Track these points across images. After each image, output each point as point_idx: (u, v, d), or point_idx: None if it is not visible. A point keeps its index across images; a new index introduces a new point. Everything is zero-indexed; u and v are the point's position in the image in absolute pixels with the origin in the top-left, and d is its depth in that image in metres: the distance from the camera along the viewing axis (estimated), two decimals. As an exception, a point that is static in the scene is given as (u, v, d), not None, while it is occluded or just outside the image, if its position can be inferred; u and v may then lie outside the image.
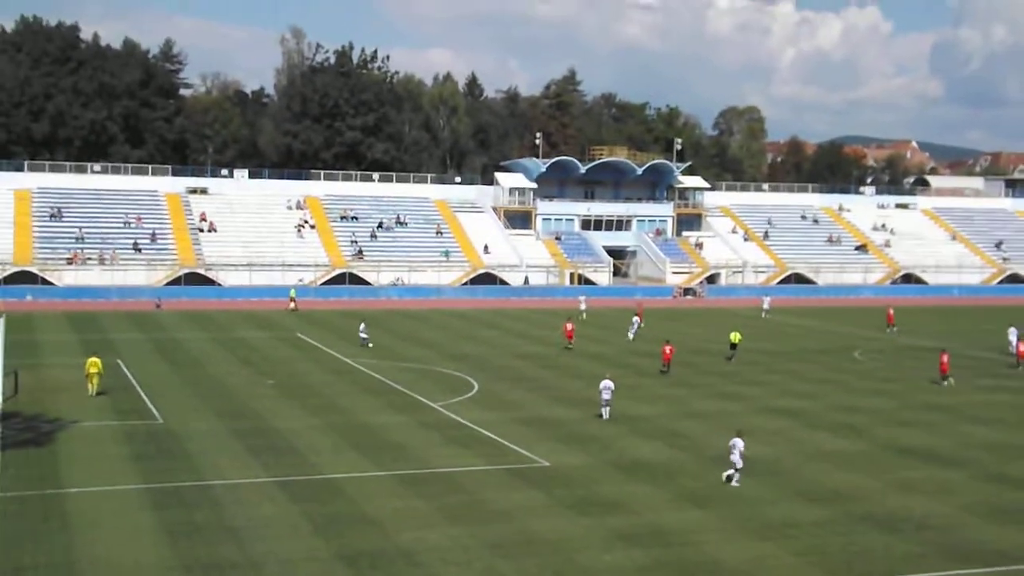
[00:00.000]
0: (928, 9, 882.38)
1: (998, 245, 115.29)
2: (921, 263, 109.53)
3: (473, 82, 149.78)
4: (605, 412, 40.50)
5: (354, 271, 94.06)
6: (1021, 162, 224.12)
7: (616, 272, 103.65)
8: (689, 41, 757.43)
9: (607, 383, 40.57)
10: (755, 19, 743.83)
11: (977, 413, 43.31)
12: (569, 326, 60.97)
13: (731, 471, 31.56)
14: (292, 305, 79.81)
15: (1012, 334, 59.88)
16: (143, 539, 25.42)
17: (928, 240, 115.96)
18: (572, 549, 25.39)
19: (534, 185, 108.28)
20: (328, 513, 27.78)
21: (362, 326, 61.37)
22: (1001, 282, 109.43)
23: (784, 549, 25.81)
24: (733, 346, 58.03)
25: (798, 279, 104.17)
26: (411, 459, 33.76)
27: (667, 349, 53.18)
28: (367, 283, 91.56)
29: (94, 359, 43.87)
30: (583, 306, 76.95)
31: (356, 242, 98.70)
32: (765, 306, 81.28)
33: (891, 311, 74.06)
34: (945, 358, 49.96)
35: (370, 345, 59.22)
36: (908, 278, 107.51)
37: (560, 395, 45.85)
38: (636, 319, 66.77)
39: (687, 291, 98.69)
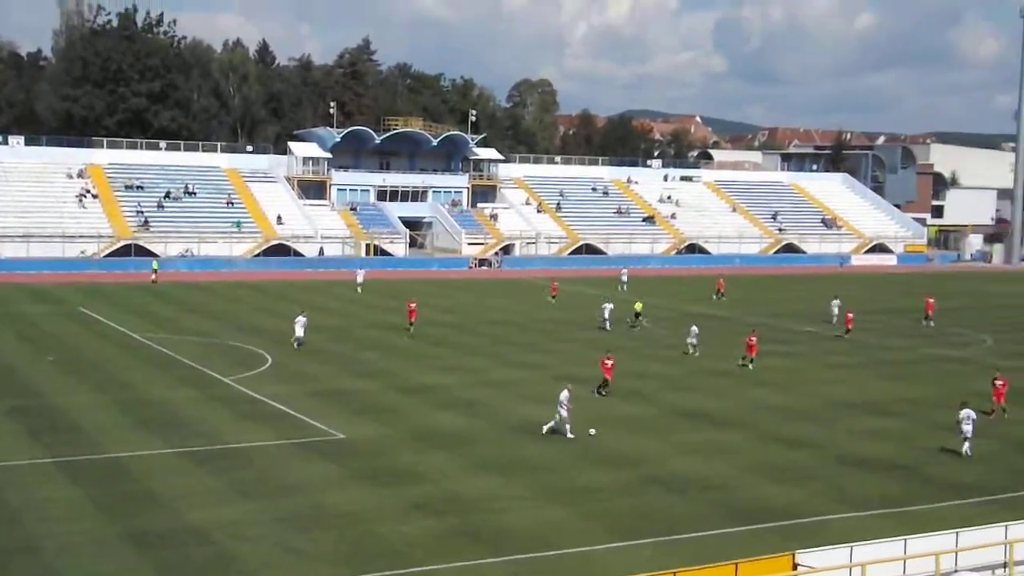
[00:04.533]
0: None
1: (774, 216, 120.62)
2: (704, 234, 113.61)
3: (264, 49, 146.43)
4: (568, 428, 33.98)
5: (140, 242, 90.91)
6: (796, 137, 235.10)
7: (412, 243, 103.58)
8: (484, 13, 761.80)
9: (564, 394, 34.41)
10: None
11: (760, 377, 45.29)
12: (412, 306, 56.23)
13: (552, 423, 33.78)
14: (153, 278, 78.43)
15: (835, 305, 61.89)
16: (-89, 527, 24.02)
17: (711, 212, 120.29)
18: (368, 520, 25.34)
19: (328, 155, 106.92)
20: (113, 493, 26.86)
21: (301, 321, 50.37)
22: (777, 252, 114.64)
23: (576, 513, 26.44)
24: (637, 315, 59.58)
25: (589, 250, 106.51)
26: (202, 435, 32.96)
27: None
28: (154, 254, 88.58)
29: None
30: (360, 279, 75.83)
31: (142, 212, 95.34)
32: (624, 279, 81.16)
33: (721, 280, 76.51)
34: (754, 339, 47.79)
35: (296, 346, 49.55)
36: (692, 248, 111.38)
37: (356, 368, 45.56)
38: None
39: (482, 262, 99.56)
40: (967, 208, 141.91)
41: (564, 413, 33.73)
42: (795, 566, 19.23)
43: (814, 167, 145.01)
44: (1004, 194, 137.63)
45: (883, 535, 21.83)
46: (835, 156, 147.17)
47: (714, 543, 24.10)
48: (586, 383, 42.76)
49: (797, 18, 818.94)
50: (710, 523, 25.83)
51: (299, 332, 49.88)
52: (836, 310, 61.42)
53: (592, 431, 33.73)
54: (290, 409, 36.83)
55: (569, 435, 33.53)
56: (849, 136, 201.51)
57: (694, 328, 51.17)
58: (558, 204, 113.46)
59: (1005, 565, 20.00)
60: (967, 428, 32.29)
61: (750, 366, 47.06)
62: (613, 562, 22.84)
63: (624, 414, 37.59)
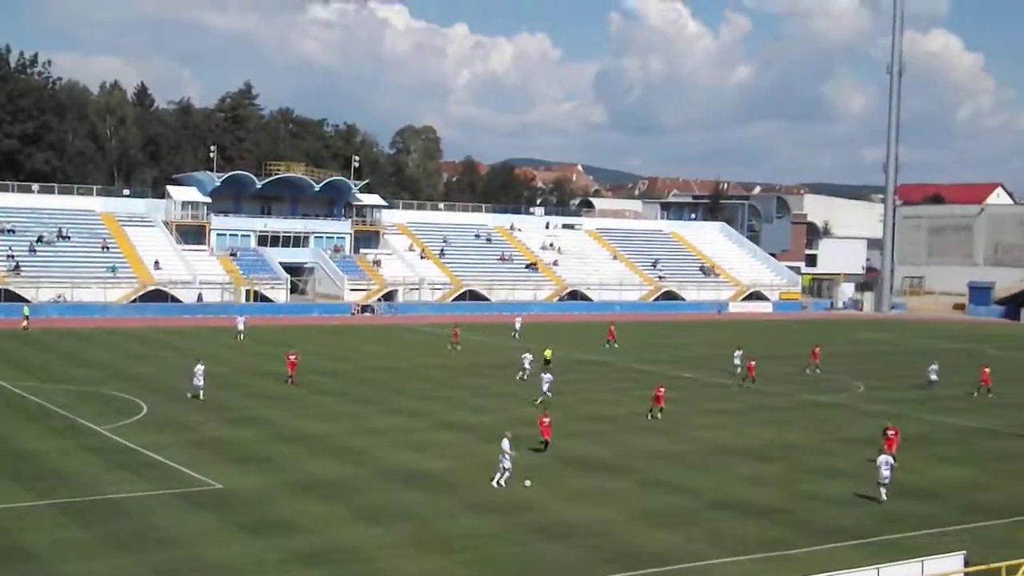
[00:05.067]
0: (592, 38, 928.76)
1: (655, 264, 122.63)
2: (586, 281, 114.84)
3: (143, 91, 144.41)
4: (498, 477, 33.75)
5: (11, 287, 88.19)
6: (675, 187, 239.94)
7: (294, 289, 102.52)
8: (367, 59, 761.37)
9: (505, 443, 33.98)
10: (431, 40, 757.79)
11: (639, 423, 45.76)
12: (292, 357, 54.85)
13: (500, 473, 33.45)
14: (24, 324, 75.77)
15: (737, 356, 61.47)
16: None
17: (592, 259, 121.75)
18: (247, 572, 24.81)
19: (208, 199, 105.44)
20: (-21, 548, 25.82)
21: (198, 370, 48.68)
22: (657, 299, 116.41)
23: (458, 561, 26.29)
24: (547, 362, 58.22)
25: (472, 296, 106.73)
26: (74, 486, 31.92)
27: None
28: (26, 300, 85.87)
29: None
30: (241, 326, 74.11)
31: (13, 257, 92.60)
32: (517, 326, 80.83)
33: (612, 327, 76.90)
34: (661, 391, 47.30)
35: (200, 396, 47.94)
36: (574, 295, 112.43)
37: (235, 416, 44.73)
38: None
39: (365, 308, 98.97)
40: (839, 257, 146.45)
41: (507, 464, 33.48)
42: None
43: (692, 216, 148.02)
44: (874, 244, 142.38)
45: (761, 579, 22.15)
46: (713, 205, 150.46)
47: (596, 590, 24.14)
48: (471, 431, 42.74)
49: (676, 70, 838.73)
50: (594, 569, 25.91)
51: (198, 381, 48.13)
52: (738, 360, 61.19)
53: (527, 483, 33.36)
54: (166, 459, 35.94)
55: (493, 483, 33.37)
56: (726, 186, 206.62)
57: (547, 376, 50.76)
58: (442, 250, 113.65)
59: (878, 606, 20.48)
60: (886, 473, 32.85)
61: (658, 416, 46.34)
62: (496, 611, 22.69)
63: (507, 461, 37.54)
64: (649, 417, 46.46)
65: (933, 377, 58.72)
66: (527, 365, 57.64)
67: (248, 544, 26.98)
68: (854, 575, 21.51)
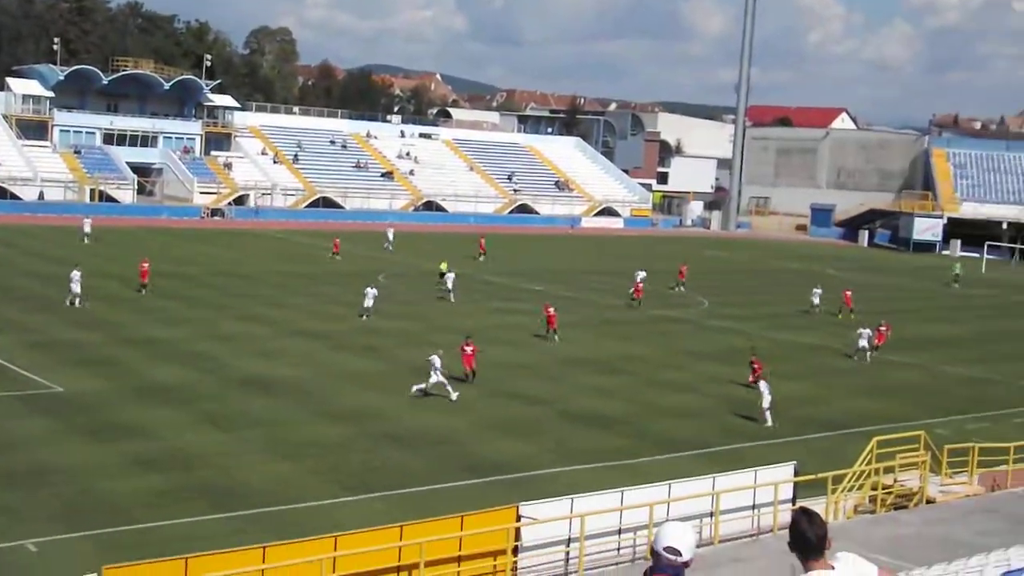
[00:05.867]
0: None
1: (510, 177, 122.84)
2: (442, 192, 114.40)
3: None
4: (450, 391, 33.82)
5: None
6: (533, 100, 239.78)
7: (141, 190, 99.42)
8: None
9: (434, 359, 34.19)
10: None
11: (495, 335, 46.06)
12: (145, 266, 51.35)
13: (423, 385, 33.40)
14: None
15: (638, 275, 59.92)
16: None
17: (448, 169, 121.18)
18: (88, 477, 24.39)
19: (51, 94, 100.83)
20: None
21: (75, 276, 45.66)
22: (512, 212, 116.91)
23: (306, 468, 26.33)
24: (442, 275, 56.72)
25: (326, 203, 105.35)
26: (-97, 388, 30.74)
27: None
28: None
29: None
30: (87, 228, 70.82)
31: None
32: (390, 237, 78.51)
33: (483, 240, 76.42)
34: (551, 310, 45.71)
35: (76, 303, 45.39)
36: (430, 205, 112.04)
37: (78, 318, 43.47)
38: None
39: (215, 212, 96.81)
40: (689, 176, 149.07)
41: (438, 378, 33.37)
42: (519, 517, 19.82)
43: (549, 130, 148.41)
44: (723, 164, 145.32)
45: (604, 487, 22.79)
46: (569, 120, 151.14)
47: (445, 496, 24.52)
48: (323, 339, 42.58)
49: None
50: (441, 477, 26.25)
51: (75, 288, 45.61)
52: (641, 278, 59.16)
53: (454, 396, 33.38)
54: (6, 361, 34.83)
55: (452, 397, 33.38)
56: (583, 102, 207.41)
57: (371, 290, 48.09)
58: (295, 156, 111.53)
59: (712, 514, 21.29)
60: (768, 398, 33.24)
61: (556, 339, 44.90)
62: (342, 516, 22.85)
63: (358, 369, 37.59)
64: (544, 336, 44.97)
65: (816, 301, 58.65)
66: (369, 303, 48.52)
67: (90, 449, 26.48)
68: (692, 483, 22.28)
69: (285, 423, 30.04)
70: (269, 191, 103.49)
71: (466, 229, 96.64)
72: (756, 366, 37.83)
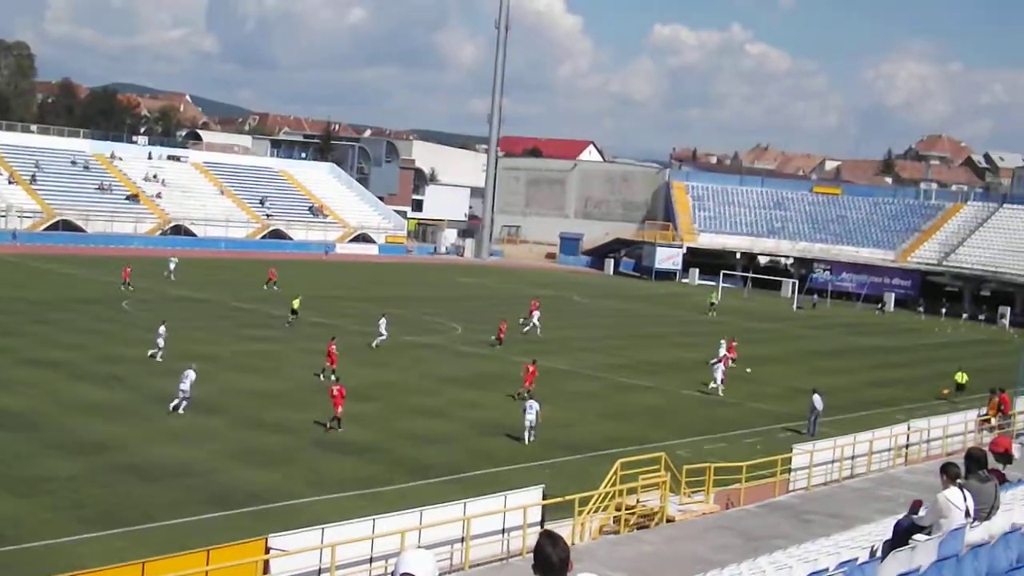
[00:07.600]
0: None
1: (262, 202, 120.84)
2: (191, 215, 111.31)
3: None
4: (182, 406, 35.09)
5: None
6: (287, 124, 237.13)
7: None
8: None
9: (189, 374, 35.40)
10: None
11: (239, 362, 45.18)
12: None
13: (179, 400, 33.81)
14: None
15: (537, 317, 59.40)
16: None
17: (198, 193, 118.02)
18: None
19: None
20: None
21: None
22: (264, 237, 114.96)
23: (40, 505, 25.02)
24: (293, 311, 56.43)
25: (66, 226, 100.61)
26: None
27: None
28: None
29: None
30: None
31: None
32: (171, 267, 74.18)
33: (272, 270, 73.97)
34: (332, 347, 44.54)
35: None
36: (178, 229, 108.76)
37: None
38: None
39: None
40: (444, 203, 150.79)
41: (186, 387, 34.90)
42: (267, 549, 19.47)
43: (303, 155, 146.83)
44: (477, 192, 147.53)
45: (356, 515, 22.66)
46: (323, 146, 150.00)
47: (190, 530, 23.78)
48: (58, 368, 40.70)
49: (291, 5, 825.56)
50: (187, 510, 25.46)
51: None
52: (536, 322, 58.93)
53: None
54: None
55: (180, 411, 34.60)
56: (337, 127, 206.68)
57: (162, 329, 45.30)
58: (33, 176, 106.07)
59: (463, 539, 21.51)
60: (531, 417, 34.50)
61: (333, 377, 41.69)
62: (82, 553, 21.81)
63: (98, 400, 36.02)
64: (322, 377, 42.73)
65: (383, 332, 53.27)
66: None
67: None
68: (443, 509, 22.45)
69: (15, 457, 28.43)
70: (4, 213, 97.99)
71: (216, 255, 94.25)
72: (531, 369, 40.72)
